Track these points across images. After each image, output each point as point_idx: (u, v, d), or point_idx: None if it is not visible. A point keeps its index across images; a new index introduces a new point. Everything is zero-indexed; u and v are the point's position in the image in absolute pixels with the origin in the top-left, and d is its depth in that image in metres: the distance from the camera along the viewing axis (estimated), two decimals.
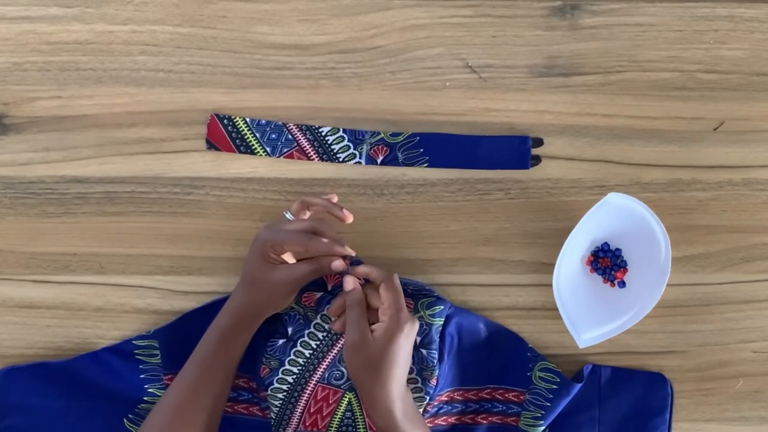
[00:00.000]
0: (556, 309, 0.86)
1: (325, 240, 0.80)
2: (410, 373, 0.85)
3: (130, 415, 0.87)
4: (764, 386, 0.90)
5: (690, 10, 0.92)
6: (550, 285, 0.86)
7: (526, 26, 0.92)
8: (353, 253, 0.81)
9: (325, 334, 0.85)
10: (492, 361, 0.88)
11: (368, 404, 0.79)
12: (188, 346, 0.85)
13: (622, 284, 0.89)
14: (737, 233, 0.91)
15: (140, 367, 0.88)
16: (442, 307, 0.85)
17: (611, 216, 0.85)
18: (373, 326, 0.79)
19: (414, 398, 0.85)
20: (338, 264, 0.80)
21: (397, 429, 0.77)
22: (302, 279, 0.81)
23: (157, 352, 0.88)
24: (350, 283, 0.81)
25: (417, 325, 0.80)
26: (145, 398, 0.88)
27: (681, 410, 0.90)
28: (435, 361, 0.85)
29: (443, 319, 0.85)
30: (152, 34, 0.91)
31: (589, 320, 0.86)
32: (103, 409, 0.87)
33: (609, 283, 0.89)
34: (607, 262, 0.89)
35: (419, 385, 0.85)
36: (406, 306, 0.85)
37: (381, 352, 0.77)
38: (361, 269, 0.82)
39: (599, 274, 0.89)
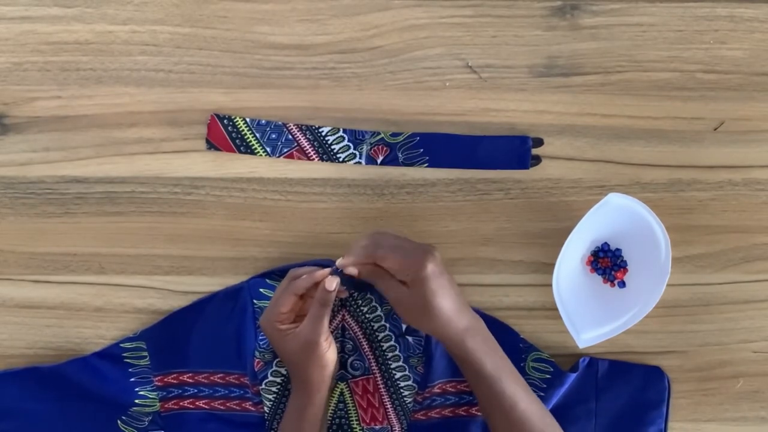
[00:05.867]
0: (556, 309, 0.86)
1: (303, 276, 0.81)
2: (397, 360, 0.86)
3: (123, 417, 0.87)
4: (764, 386, 0.90)
5: (690, 10, 0.92)
6: (550, 285, 0.86)
7: (526, 26, 0.92)
8: (335, 265, 0.81)
9: (334, 348, 0.85)
10: None
11: (443, 343, 0.80)
12: (176, 346, 0.86)
13: (622, 284, 0.89)
14: (737, 233, 0.91)
15: (129, 370, 0.88)
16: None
17: (611, 216, 0.85)
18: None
19: (403, 387, 0.86)
20: (330, 282, 0.80)
21: (469, 355, 0.78)
22: (319, 319, 0.80)
23: (146, 353, 0.88)
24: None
25: (435, 254, 0.79)
26: (137, 401, 0.88)
27: (681, 410, 0.90)
28: (422, 349, 0.86)
29: None
30: (152, 34, 0.91)
31: (589, 320, 0.86)
32: (95, 412, 0.87)
33: (609, 283, 0.89)
34: (607, 262, 0.89)
35: (407, 372, 0.86)
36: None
37: (419, 298, 0.78)
38: (348, 270, 0.81)
39: (599, 274, 0.89)
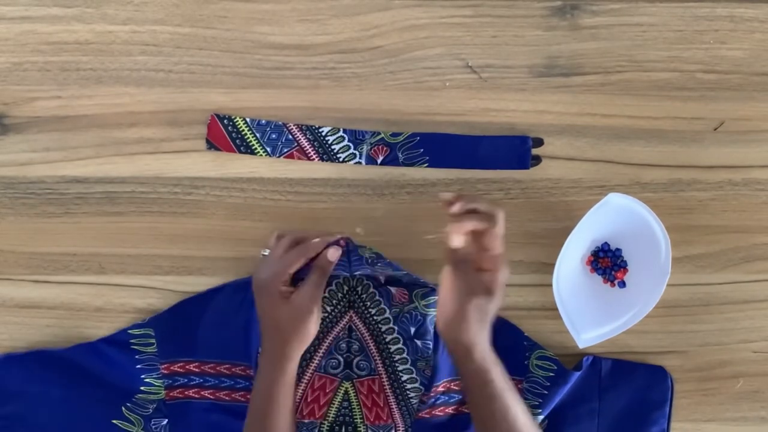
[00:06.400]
0: (556, 309, 0.86)
1: (315, 240, 0.80)
2: (404, 363, 0.86)
3: (128, 404, 0.87)
4: (764, 386, 0.90)
5: (690, 10, 0.92)
6: (550, 285, 0.86)
7: (526, 26, 0.92)
8: (339, 236, 0.81)
9: (320, 322, 0.85)
10: None
11: (455, 347, 0.77)
12: (184, 334, 0.86)
13: (622, 284, 0.89)
14: (737, 233, 0.91)
15: (136, 357, 0.88)
16: (437, 297, 0.85)
17: (611, 216, 0.85)
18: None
19: (409, 388, 0.86)
20: (333, 253, 0.80)
21: (479, 364, 0.76)
22: (320, 288, 0.80)
23: (153, 341, 0.88)
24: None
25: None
26: (142, 388, 0.88)
27: (681, 410, 0.90)
28: (430, 352, 0.86)
29: None
30: (152, 34, 0.91)
31: (589, 320, 0.86)
32: (100, 397, 0.88)
33: (609, 283, 0.89)
34: (607, 262, 0.89)
35: (414, 375, 0.86)
36: (401, 296, 0.86)
37: (476, 299, 0.76)
38: (467, 214, 0.76)
39: (599, 274, 0.89)
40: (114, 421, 0.87)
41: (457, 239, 0.76)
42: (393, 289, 0.87)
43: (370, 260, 0.83)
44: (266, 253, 0.82)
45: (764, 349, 0.90)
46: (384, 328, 0.87)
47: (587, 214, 0.84)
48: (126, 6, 0.91)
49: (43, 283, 0.90)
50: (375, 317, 0.87)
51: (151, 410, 0.88)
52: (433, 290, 0.86)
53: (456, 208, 0.76)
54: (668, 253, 0.85)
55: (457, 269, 0.77)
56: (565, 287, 0.86)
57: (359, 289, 0.87)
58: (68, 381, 0.87)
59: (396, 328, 0.87)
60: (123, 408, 0.87)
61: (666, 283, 0.85)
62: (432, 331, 0.86)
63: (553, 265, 0.86)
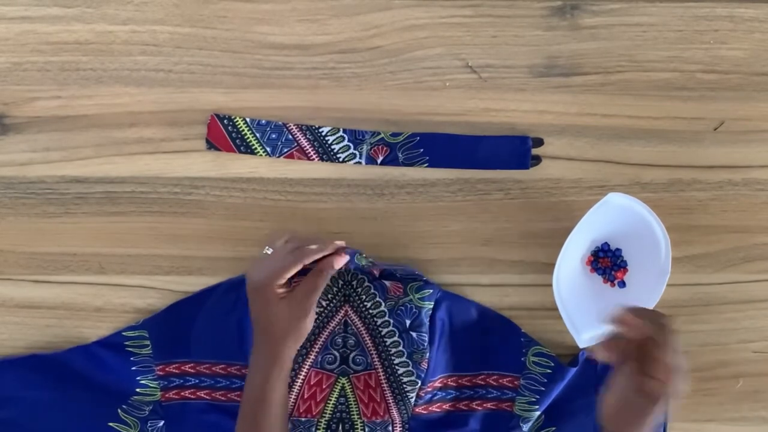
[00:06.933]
0: (556, 309, 0.86)
1: (314, 247, 0.80)
2: (400, 356, 0.86)
3: (123, 406, 0.87)
4: (764, 386, 0.90)
5: (690, 10, 0.92)
6: (550, 285, 0.86)
7: (526, 26, 0.92)
8: (343, 244, 0.82)
9: (314, 321, 0.85)
10: (485, 346, 0.88)
11: None
12: (178, 336, 0.86)
13: (622, 284, 0.89)
14: (737, 233, 0.91)
15: (131, 359, 0.88)
16: (431, 290, 0.86)
17: (611, 216, 0.85)
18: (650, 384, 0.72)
19: (406, 382, 0.86)
20: (339, 261, 0.81)
21: None
22: (317, 290, 0.80)
23: (148, 342, 0.88)
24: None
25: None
26: (138, 390, 0.88)
27: (681, 410, 0.90)
28: (425, 344, 0.86)
29: (432, 303, 0.87)
30: (152, 34, 0.91)
31: (589, 320, 0.86)
32: (96, 400, 0.87)
33: (609, 283, 0.89)
34: (607, 262, 0.89)
35: (410, 368, 0.86)
36: (396, 290, 0.86)
37: (643, 405, 0.73)
38: (630, 320, 0.73)
39: (599, 274, 0.89)
40: (110, 424, 0.87)
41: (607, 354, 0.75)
42: (387, 283, 0.87)
43: (365, 268, 0.84)
44: (269, 252, 0.82)
45: (764, 349, 0.90)
46: (379, 321, 0.87)
47: (587, 214, 0.84)
48: (126, 6, 0.91)
49: (43, 283, 0.90)
50: (371, 311, 0.87)
51: (147, 412, 0.88)
52: (426, 283, 0.87)
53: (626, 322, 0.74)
54: (668, 253, 0.85)
55: (621, 369, 0.75)
56: (565, 287, 0.86)
57: (354, 283, 0.88)
58: (63, 385, 0.87)
59: (391, 321, 0.87)
60: (119, 410, 0.87)
61: (666, 283, 0.85)
62: (427, 323, 0.86)
63: (553, 265, 0.86)
